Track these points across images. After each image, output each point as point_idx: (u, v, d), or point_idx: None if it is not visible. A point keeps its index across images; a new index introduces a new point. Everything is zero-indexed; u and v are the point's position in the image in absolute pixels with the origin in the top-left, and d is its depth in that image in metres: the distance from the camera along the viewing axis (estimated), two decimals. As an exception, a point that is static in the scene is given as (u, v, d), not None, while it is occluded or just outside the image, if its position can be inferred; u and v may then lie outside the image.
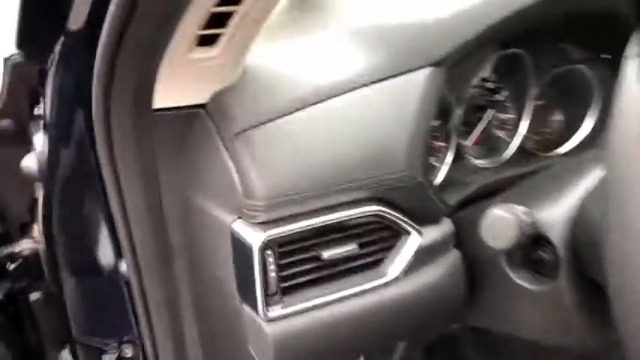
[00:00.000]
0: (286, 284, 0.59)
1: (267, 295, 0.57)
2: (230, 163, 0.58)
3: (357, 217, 0.61)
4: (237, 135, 0.58)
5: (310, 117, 0.61)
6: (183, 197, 0.66)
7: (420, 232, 0.66)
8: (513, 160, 0.92)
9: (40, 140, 0.69)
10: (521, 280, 0.67)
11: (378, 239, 0.64)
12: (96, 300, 0.85)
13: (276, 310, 0.58)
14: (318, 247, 0.60)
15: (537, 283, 0.65)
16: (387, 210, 0.63)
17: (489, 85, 0.92)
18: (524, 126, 0.93)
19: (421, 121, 0.65)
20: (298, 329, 0.59)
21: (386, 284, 0.64)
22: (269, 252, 0.56)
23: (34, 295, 0.92)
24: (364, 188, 0.61)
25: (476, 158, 0.90)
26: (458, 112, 0.84)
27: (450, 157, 0.86)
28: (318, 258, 0.60)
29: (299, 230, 0.58)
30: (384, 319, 0.65)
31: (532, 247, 0.65)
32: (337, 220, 0.60)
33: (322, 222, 0.59)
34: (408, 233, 0.66)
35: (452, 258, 0.71)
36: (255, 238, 0.55)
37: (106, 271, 0.79)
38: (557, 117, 0.97)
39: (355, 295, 0.62)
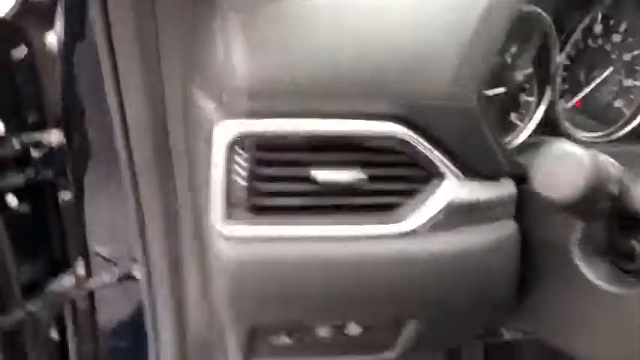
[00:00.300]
0: (263, 202, 0.46)
1: (231, 206, 0.45)
2: (220, 38, 0.46)
3: (371, 137, 0.46)
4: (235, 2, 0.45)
5: None
6: (184, 88, 0.56)
7: (459, 179, 0.49)
8: (628, 139, 0.69)
9: (59, 15, 0.64)
10: (596, 276, 0.47)
11: (399, 176, 0.48)
12: (108, 208, 0.80)
13: (241, 228, 0.45)
14: (312, 165, 0.46)
15: (620, 284, 0.45)
16: (415, 136, 0.46)
17: (617, 38, 0.70)
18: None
19: (493, 20, 0.47)
20: (268, 261, 0.46)
21: (398, 235, 0.48)
22: (241, 151, 0.43)
23: (64, 195, 0.90)
24: (388, 99, 0.45)
25: (575, 127, 0.69)
26: (558, 60, 0.64)
27: (538, 115, 0.66)
28: (309, 179, 0.46)
29: (287, 134, 0.44)
30: (389, 281, 0.49)
31: (619, 229, 0.45)
32: (341, 134, 0.45)
33: (320, 131, 0.44)
34: (443, 177, 0.49)
35: (506, 230, 0.53)
36: (224, 128, 0.43)
37: (114, 176, 0.73)
38: None
39: (353, 238, 0.47)
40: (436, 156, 0.47)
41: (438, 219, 0.48)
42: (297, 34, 0.44)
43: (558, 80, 0.66)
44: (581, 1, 0.63)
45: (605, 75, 0.69)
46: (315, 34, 0.44)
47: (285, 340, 0.54)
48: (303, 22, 0.45)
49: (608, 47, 0.70)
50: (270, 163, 0.45)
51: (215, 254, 0.46)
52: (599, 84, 0.70)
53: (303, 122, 0.44)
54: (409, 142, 0.46)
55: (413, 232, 0.48)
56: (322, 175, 0.45)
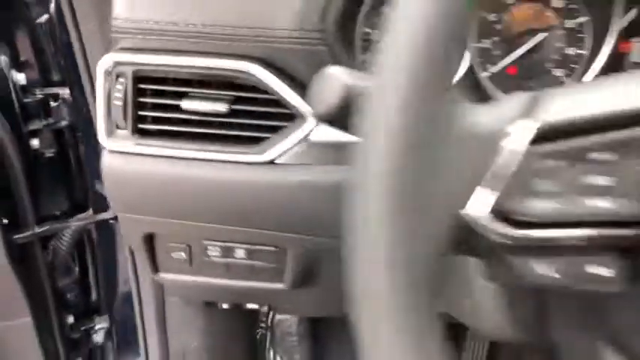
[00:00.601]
0: (143, 126, 0.55)
1: (115, 127, 0.54)
2: None
3: (231, 74, 0.52)
4: None
5: None
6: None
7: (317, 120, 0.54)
8: None
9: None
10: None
11: (264, 113, 0.55)
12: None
13: (121, 144, 0.54)
14: (181, 96, 0.54)
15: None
16: (271, 76, 0.52)
17: (559, 3, 0.69)
18: (594, 70, 0.68)
19: None
20: (143, 172, 0.55)
21: (258, 164, 0.54)
22: (122, 80, 0.53)
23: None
24: (241, 41, 0.52)
25: (506, 93, 0.69)
26: (472, 23, 0.65)
27: (456, 78, 0.68)
28: (179, 108, 0.54)
29: (158, 68, 0.53)
30: (250, 205, 0.55)
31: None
32: (206, 69, 0.52)
33: (184, 65, 0.52)
34: (303, 116, 0.54)
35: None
36: (105, 59, 0.53)
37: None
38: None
39: (219, 162, 0.55)
40: (292, 96, 0.53)
41: (296, 153, 0.54)
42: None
43: (476, 44, 0.67)
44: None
45: (535, 42, 0.68)
46: None
47: (182, 256, 0.63)
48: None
49: (548, 13, 0.69)
50: (147, 93, 0.54)
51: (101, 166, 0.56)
52: (536, 51, 0.69)
53: (172, 58, 0.52)
54: (261, 79, 0.52)
55: (272, 163, 0.54)
56: (187, 104, 0.53)
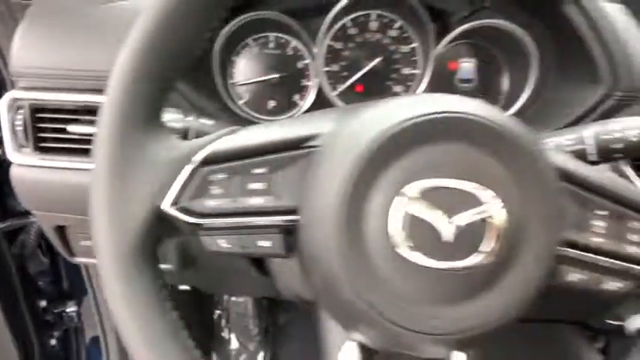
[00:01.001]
0: (41, 144, 0.71)
1: (19, 146, 0.71)
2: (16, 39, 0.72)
3: (96, 104, 0.69)
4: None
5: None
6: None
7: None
8: None
9: None
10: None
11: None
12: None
13: (23, 159, 0.71)
14: (68, 122, 0.70)
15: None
16: None
17: (394, 33, 0.84)
18: (423, 85, 0.83)
19: None
20: (44, 180, 0.71)
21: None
22: (20, 111, 0.70)
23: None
24: (106, 79, 0.68)
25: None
26: (317, 51, 0.81)
27: (311, 97, 0.83)
28: (65, 131, 0.70)
29: (47, 102, 0.69)
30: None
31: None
32: (78, 102, 0.69)
33: (66, 100, 0.69)
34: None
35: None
36: (4, 97, 0.70)
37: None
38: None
39: None
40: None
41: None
42: (55, 45, 0.69)
43: (324, 68, 0.82)
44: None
45: (372, 64, 0.83)
46: (62, 45, 0.69)
47: (89, 243, 0.80)
48: (59, 38, 0.70)
49: (386, 40, 0.84)
50: (43, 120, 0.71)
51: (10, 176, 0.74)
52: (377, 71, 0.85)
53: (57, 94, 0.69)
54: None
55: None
56: (71, 128, 0.70)
